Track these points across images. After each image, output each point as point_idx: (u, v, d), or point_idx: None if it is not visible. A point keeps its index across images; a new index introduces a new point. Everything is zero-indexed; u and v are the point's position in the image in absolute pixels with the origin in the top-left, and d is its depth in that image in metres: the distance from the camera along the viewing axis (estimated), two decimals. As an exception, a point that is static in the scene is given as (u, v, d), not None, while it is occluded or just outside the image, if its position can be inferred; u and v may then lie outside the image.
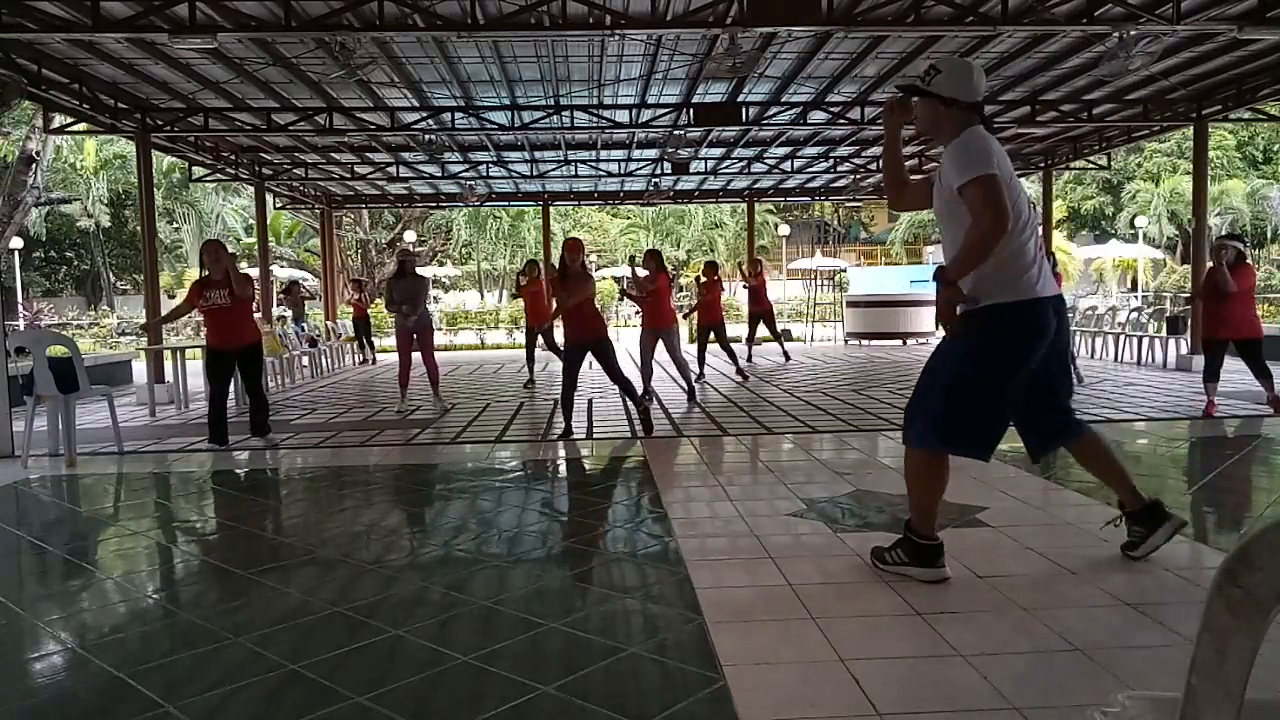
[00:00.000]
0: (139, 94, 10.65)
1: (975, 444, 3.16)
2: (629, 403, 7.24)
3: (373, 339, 16.87)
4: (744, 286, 13.98)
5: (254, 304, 7.13)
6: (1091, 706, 1.24)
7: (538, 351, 11.71)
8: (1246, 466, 5.66)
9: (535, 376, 11.41)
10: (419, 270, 9.57)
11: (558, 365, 11.69)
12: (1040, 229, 3.18)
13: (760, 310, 13.62)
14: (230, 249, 7.12)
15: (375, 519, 4.67)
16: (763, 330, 14.19)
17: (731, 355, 11.37)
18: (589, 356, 7.07)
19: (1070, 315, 3.35)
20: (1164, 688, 1.29)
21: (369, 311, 17.06)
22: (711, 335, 11.31)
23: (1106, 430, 3.42)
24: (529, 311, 11.34)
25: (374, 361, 16.14)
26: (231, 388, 7.34)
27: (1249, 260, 7.71)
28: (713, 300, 11.32)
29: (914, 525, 3.26)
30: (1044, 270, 3.09)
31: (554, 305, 6.97)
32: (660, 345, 9.18)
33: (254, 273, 14.96)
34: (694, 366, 11.66)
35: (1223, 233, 20.12)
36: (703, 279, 11.66)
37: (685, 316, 11.68)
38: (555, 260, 11.10)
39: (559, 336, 9.68)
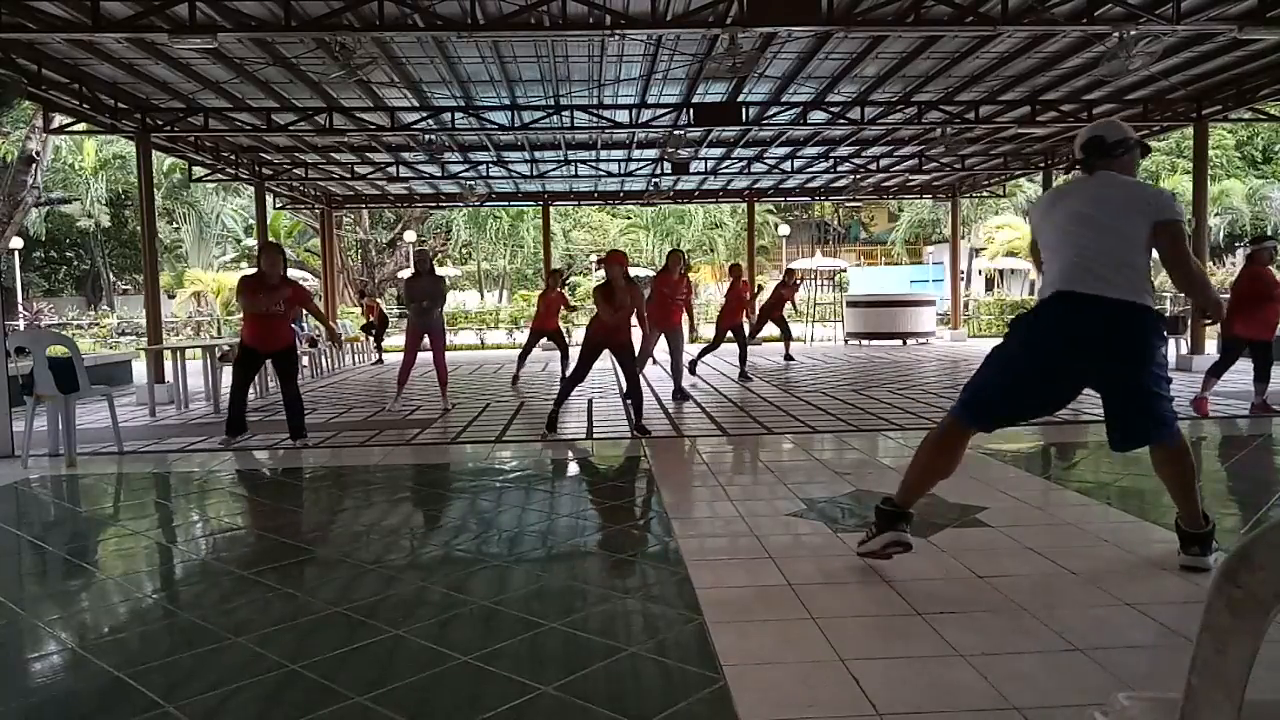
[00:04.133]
0: (139, 94, 10.66)
1: (987, 414, 3.31)
2: (629, 408, 7.22)
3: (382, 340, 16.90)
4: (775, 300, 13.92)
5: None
6: (1091, 706, 1.24)
7: (536, 351, 11.76)
8: (1246, 466, 5.66)
9: (530, 377, 11.43)
10: (435, 269, 9.61)
11: (557, 366, 11.75)
12: (1077, 232, 3.23)
13: (775, 314, 13.67)
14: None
15: (375, 519, 4.66)
16: (769, 330, 14.23)
17: (743, 356, 11.39)
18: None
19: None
20: (1164, 688, 1.29)
21: (384, 312, 17.21)
22: (729, 335, 11.31)
23: (1107, 430, 3.40)
24: (541, 316, 11.35)
25: (382, 361, 16.13)
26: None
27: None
28: (740, 303, 11.32)
29: (894, 497, 3.35)
30: (1077, 271, 3.16)
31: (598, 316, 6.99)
32: (663, 346, 9.18)
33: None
34: (696, 365, 11.71)
35: (1230, 233, 19.89)
36: (731, 280, 11.64)
37: (751, 313, 11.70)
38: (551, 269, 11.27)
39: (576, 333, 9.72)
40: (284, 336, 6.94)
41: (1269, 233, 29.46)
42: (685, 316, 10.01)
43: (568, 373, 11.13)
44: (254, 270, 7.01)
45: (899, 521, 3.30)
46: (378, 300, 18.43)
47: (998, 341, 3.41)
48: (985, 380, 3.30)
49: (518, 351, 11.98)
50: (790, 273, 14.24)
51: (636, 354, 7.31)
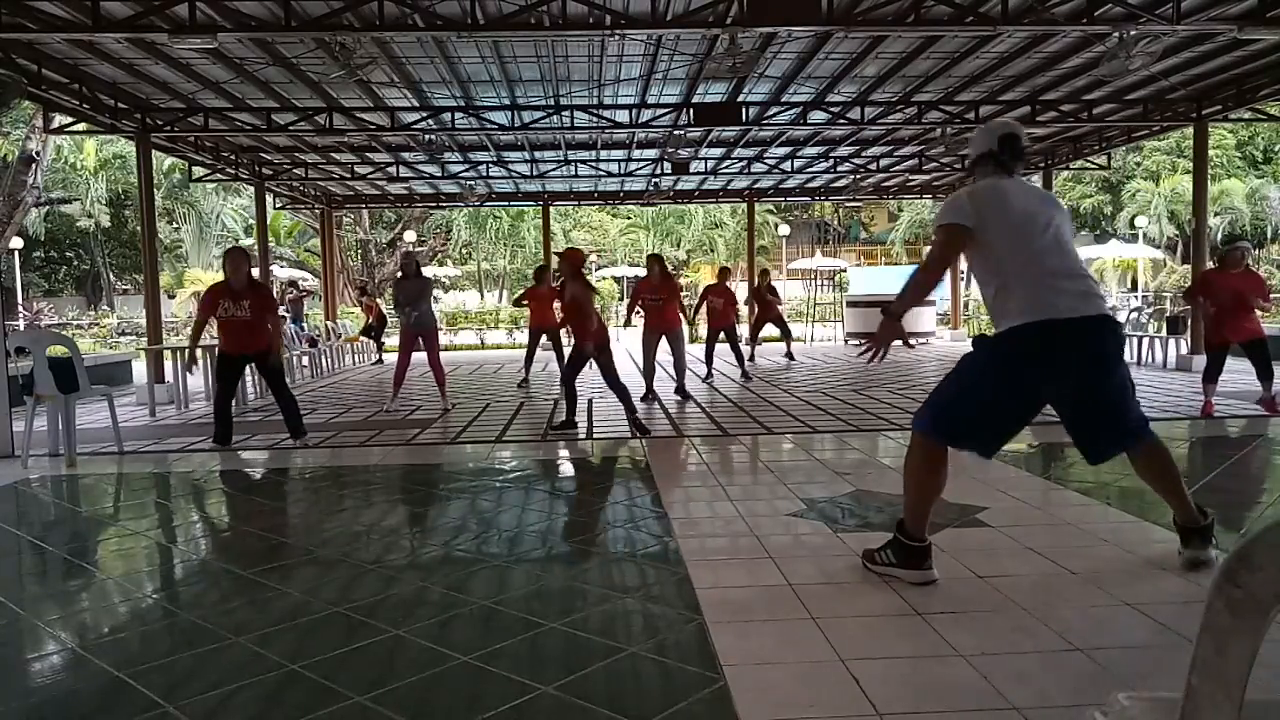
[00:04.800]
0: (139, 94, 10.65)
1: (972, 442, 3.23)
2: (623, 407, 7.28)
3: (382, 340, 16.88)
4: (745, 303, 13.92)
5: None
6: (1091, 706, 1.24)
7: (539, 352, 11.79)
8: (1246, 466, 5.66)
9: (531, 377, 11.46)
10: (422, 271, 9.64)
11: (557, 366, 11.76)
12: (1059, 248, 3.15)
13: (770, 316, 13.68)
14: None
15: (375, 519, 4.67)
16: (769, 330, 14.23)
17: (739, 358, 11.39)
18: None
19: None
20: (1164, 688, 1.29)
21: (384, 311, 17.20)
22: (722, 336, 11.31)
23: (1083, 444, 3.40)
24: (533, 315, 11.44)
25: (382, 361, 16.13)
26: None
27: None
28: (725, 306, 11.34)
29: (905, 526, 3.26)
30: (1061, 292, 3.07)
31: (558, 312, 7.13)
32: (665, 347, 9.22)
33: (254, 273, 14.97)
34: (702, 369, 11.70)
35: (1223, 235, 19.77)
36: (714, 284, 11.63)
37: (692, 321, 11.77)
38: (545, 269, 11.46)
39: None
40: (259, 338, 6.69)
41: (1269, 233, 29.55)
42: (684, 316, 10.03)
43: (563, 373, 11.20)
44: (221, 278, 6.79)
45: (924, 560, 3.22)
46: (377, 300, 18.43)
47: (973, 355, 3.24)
48: (961, 405, 3.17)
49: (518, 351, 12.01)
50: (764, 273, 14.28)
51: (613, 360, 7.37)
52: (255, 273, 11.59)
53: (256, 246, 17.27)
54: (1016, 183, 3.30)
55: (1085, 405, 3.19)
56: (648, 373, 9.18)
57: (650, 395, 9.07)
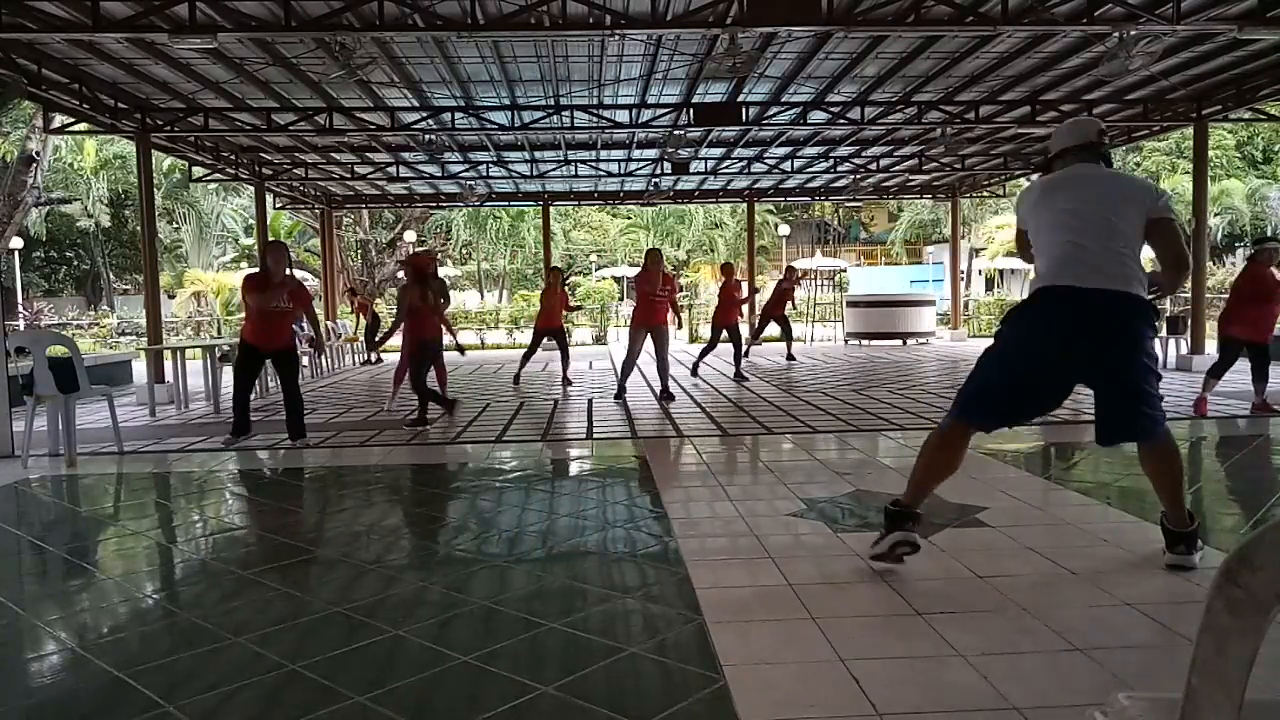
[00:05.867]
0: (139, 94, 10.65)
1: (989, 414, 3.33)
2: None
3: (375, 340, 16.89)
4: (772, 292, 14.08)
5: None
6: (1091, 706, 1.24)
7: (539, 352, 11.83)
8: (1246, 466, 5.66)
9: (530, 377, 11.49)
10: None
11: (557, 366, 11.78)
12: (1069, 224, 3.25)
13: (775, 313, 13.70)
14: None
15: (375, 519, 4.66)
16: (770, 330, 14.28)
17: (738, 356, 11.39)
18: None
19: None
20: (1164, 688, 1.29)
21: (376, 313, 17.18)
22: (725, 335, 11.32)
23: (1095, 423, 3.40)
24: (543, 313, 11.48)
25: (379, 360, 16.13)
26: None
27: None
28: (733, 301, 11.35)
29: (903, 497, 3.35)
30: (1068, 264, 3.18)
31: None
32: (650, 345, 9.18)
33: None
34: (699, 366, 11.73)
35: (1223, 235, 19.65)
36: (723, 280, 11.68)
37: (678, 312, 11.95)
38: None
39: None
40: (285, 336, 6.96)
41: (1269, 233, 29.51)
42: (673, 315, 10.04)
43: (567, 372, 11.25)
44: (258, 269, 7.02)
45: (905, 521, 3.29)
46: (369, 299, 18.41)
47: (991, 340, 3.42)
48: (984, 381, 3.30)
49: (519, 351, 12.02)
50: (790, 270, 14.28)
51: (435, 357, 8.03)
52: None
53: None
54: (1070, 172, 3.42)
55: (1104, 382, 3.23)
56: (626, 369, 9.15)
57: (621, 393, 9.07)
